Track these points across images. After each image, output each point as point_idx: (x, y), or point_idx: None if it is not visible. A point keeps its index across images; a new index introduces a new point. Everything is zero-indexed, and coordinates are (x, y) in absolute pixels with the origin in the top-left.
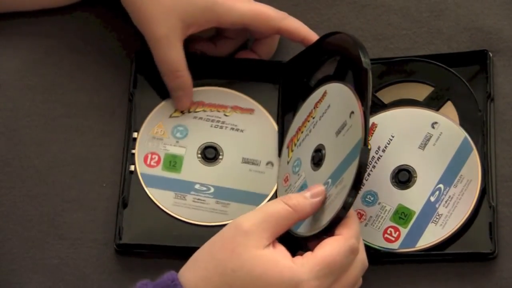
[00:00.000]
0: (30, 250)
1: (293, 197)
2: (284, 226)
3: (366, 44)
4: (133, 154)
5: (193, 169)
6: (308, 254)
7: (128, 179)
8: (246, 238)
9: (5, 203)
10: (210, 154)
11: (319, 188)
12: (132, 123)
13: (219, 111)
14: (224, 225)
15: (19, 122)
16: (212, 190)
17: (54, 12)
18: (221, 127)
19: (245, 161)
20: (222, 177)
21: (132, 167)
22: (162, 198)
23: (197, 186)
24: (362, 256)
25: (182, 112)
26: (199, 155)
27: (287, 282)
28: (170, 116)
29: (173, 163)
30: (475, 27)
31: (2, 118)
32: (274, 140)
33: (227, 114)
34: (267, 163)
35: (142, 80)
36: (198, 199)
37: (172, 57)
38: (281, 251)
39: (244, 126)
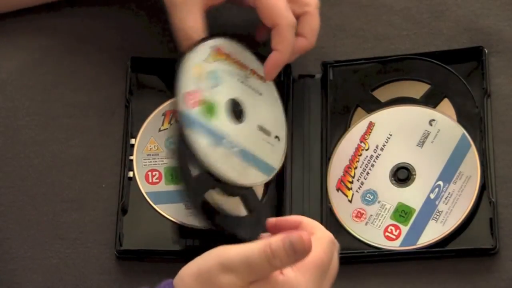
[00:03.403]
0: (29, 250)
1: (278, 256)
2: (266, 276)
3: (367, 44)
4: (131, 160)
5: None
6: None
7: (127, 185)
8: (227, 277)
9: (4, 202)
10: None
11: (304, 245)
12: (129, 129)
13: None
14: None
15: (19, 121)
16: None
17: (54, 11)
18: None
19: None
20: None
21: (130, 173)
22: (174, 212)
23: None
24: (331, 236)
25: (170, 123)
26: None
27: None
28: (159, 130)
29: (175, 175)
30: (475, 28)
31: (2, 118)
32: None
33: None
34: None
35: (138, 86)
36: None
37: (188, 24)
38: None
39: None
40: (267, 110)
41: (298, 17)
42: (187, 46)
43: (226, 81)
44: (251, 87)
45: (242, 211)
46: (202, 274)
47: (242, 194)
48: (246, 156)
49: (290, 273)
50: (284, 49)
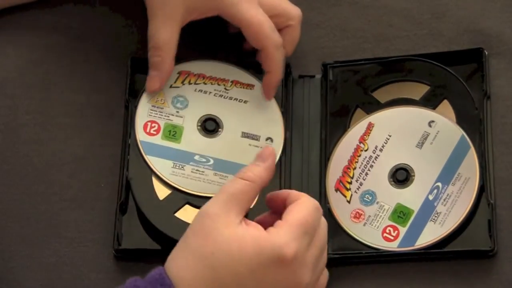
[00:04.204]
0: (28, 248)
1: (247, 170)
2: (248, 200)
3: (366, 45)
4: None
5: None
6: (279, 222)
7: (126, 185)
8: (216, 222)
9: (3, 200)
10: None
11: (268, 150)
12: (129, 129)
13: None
14: None
15: (18, 120)
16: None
17: (55, 11)
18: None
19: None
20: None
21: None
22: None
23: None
24: (316, 203)
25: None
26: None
27: (267, 251)
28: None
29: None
30: (476, 30)
31: (1, 116)
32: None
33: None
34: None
35: (138, 86)
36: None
37: (161, 35)
38: (254, 226)
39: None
40: (254, 115)
41: (280, 29)
42: (151, 54)
43: (198, 101)
44: (233, 97)
45: None
46: (188, 233)
47: None
48: (224, 166)
49: (273, 230)
50: (275, 70)
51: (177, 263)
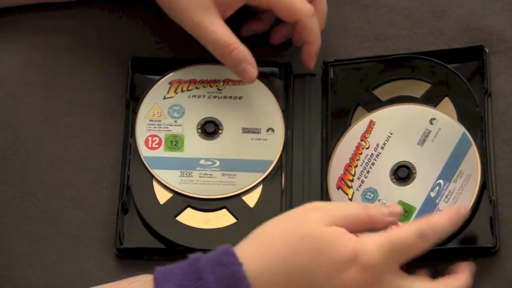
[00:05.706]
0: (29, 246)
1: (372, 208)
2: (354, 227)
3: (367, 44)
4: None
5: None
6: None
7: (127, 184)
8: (317, 214)
9: (4, 199)
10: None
11: (398, 209)
12: (130, 129)
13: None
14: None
15: (19, 118)
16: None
17: (56, 8)
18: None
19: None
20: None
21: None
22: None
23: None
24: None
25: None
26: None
27: (351, 249)
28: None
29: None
30: (476, 28)
31: (2, 114)
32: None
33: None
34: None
35: (139, 86)
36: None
37: (217, 34)
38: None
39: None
40: (251, 109)
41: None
42: (228, 52)
43: (193, 106)
44: (227, 96)
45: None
46: (287, 214)
47: (225, 205)
48: (230, 165)
49: (364, 235)
50: (314, 39)
51: (260, 238)
